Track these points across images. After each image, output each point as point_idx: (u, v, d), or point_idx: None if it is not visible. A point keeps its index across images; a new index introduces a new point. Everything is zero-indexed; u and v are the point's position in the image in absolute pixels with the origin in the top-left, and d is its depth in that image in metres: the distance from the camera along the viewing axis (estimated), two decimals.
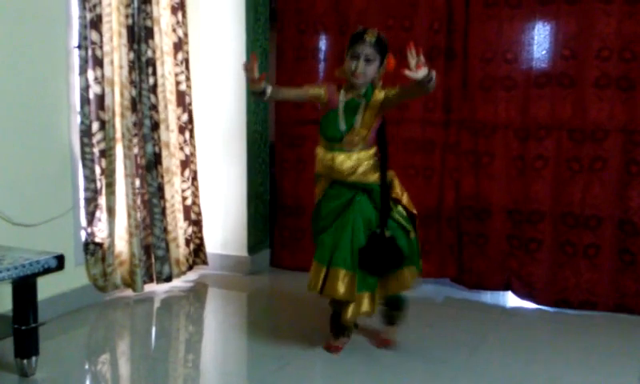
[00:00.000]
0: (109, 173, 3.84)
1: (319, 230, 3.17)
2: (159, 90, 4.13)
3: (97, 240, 3.86)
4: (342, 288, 3.02)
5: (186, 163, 4.41)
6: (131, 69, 3.93)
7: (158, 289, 4.22)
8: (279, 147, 4.76)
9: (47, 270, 2.84)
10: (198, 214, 4.53)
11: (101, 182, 3.84)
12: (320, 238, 3.15)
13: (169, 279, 4.23)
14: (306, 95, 3.17)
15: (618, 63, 3.85)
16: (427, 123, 4.29)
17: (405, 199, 3.18)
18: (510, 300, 4.22)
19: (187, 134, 4.40)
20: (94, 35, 3.71)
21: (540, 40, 4.03)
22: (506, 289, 4.24)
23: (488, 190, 4.19)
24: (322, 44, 4.57)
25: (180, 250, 4.38)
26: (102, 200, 3.86)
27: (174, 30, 4.26)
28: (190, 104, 4.41)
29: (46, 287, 3.25)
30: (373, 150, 3.12)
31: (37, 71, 3.52)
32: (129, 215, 3.97)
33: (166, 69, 4.21)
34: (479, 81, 4.15)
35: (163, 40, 4.17)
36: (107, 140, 3.82)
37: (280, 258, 4.78)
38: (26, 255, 2.83)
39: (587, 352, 3.38)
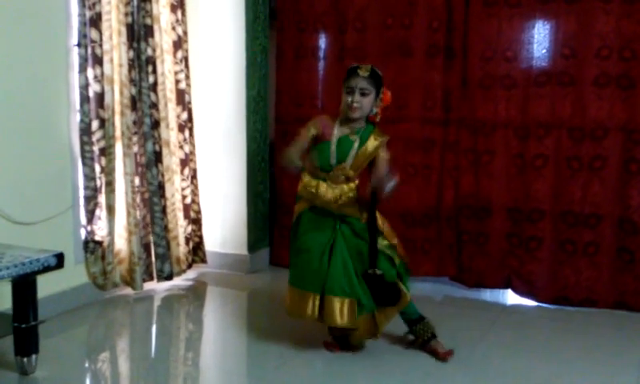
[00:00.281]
0: (108, 171, 3.84)
1: (295, 251, 3.20)
2: (159, 88, 4.13)
3: (96, 238, 3.86)
4: (343, 316, 3.06)
5: (186, 161, 4.41)
6: (131, 67, 3.93)
7: (157, 287, 4.22)
8: (279, 145, 4.76)
9: (47, 269, 2.84)
10: (198, 212, 4.53)
11: (100, 181, 3.84)
12: (296, 262, 3.18)
13: (169, 277, 4.23)
14: (307, 137, 3.16)
15: (617, 62, 3.85)
16: (426, 122, 4.28)
17: (386, 229, 3.19)
18: (510, 298, 4.22)
19: (187, 133, 4.40)
20: (93, 33, 3.71)
21: (540, 39, 4.03)
22: (505, 287, 4.24)
23: (488, 189, 4.20)
24: (322, 43, 4.57)
25: (180, 249, 4.38)
26: (102, 198, 3.86)
27: (174, 28, 4.26)
28: (189, 102, 4.41)
29: (46, 285, 3.24)
30: (355, 183, 3.17)
31: (36, 69, 3.51)
32: (128, 213, 3.97)
33: (166, 67, 4.21)
34: (479, 79, 4.15)
35: (163, 38, 4.16)
36: (107, 138, 3.82)
37: (279, 257, 4.78)
38: (25, 253, 2.83)
39: (587, 349, 3.39)
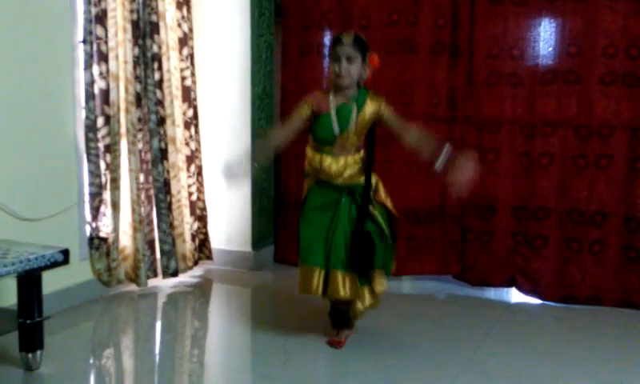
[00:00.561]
0: (113, 168, 3.85)
1: (303, 226, 3.22)
2: (165, 85, 4.13)
3: (101, 235, 3.87)
4: (345, 289, 3.09)
5: (192, 158, 4.41)
6: (136, 64, 3.93)
7: (161, 284, 4.22)
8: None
9: (52, 265, 2.84)
10: (203, 209, 4.54)
11: (106, 177, 3.84)
12: (307, 240, 3.19)
13: (175, 274, 4.23)
14: (300, 118, 3.16)
15: (624, 60, 3.84)
16: (431, 119, 4.27)
17: (389, 203, 3.23)
18: (514, 296, 4.21)
19: (192, 130, 4.40)
20: (99, 30, 3.71)
21: (546, 37, 4.02)
22: (510, 285, 4.23)
23: (493, 187, 4.18)
24: (327, 40, 4.55)
25: (186, 245, 4.38)
26: (107, 195, 3.86)
27: (179, 25, 4.26)
28: (195, 99, 4.41)
29: (51, 281, 3.26)
30: (360, 154, 3.19)
31: (42, 66, 3.52)
32: (133, 210, 3.98)
33: (172, 64, 4.21)
34: (485, 77, 4.14)
35: (169, 35, 4.17)
36: (112, 135, 3.83)
37: (284, 254, 4.78)
38: (31, 249, 2.84)
39: (592, 348, 3.38)
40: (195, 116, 4.42)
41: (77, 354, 3.25)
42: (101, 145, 3.80)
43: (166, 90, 4.14)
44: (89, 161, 3.75)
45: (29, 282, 2.82)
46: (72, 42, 3.69)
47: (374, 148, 3.19)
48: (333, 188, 3.15)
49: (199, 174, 4.49)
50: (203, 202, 4.54)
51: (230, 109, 4.59)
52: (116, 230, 3.89)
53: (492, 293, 4.27)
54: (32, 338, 2.87)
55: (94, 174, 3.78)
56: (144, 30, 3.97)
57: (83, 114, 3.72)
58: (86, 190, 3.80)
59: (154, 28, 4.02)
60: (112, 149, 3.83)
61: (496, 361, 3.19)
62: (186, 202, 4.41)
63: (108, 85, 3.79)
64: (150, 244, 4.15)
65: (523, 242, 4.15)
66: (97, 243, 3.85)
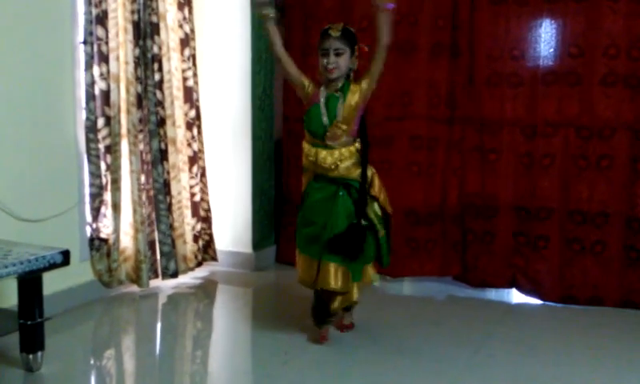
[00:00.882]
0: (114, 168, 3.84)
1: (303, 222, 3.27)
2: (165, 85, 4.13)
3: (102, 236, 3.86)
4: (338, 280, 3.13)
5: (194, 159, 4.40)
6: (137, 65, 3.93)
7: (162, 285, 4.22)
8: (286, 143, 4.76)
9: (53, 266, 2.84)
10: (207, 210, 4.53)
11: (106, 178, 3.84)
12: (305, 232, 3.25)
13: (175, 275, 4.23)
14: (298, 78, 3.26)
15: (625, 61, 3.84)
16: (431, 120, 4.27)
17: (382, 197, 3.27)
18: (515, 297, 4.21)
19: (195, 130, 4.40)
20: (99, 31, 3.71)
21: (547, 38, 4.01)
22: (511, 286, 4.22)
23: (494, 187, 4.18)
24: None
25: (187, 247, 4.37)
26: (108, 196, 3.86)
27: (181, 26, 4.26)
28: (197, 100, 4.41)
29: (52, 282, 3.25)
30: (356, 146, 3.20)
31: (42, 67, 3.52)
32: (134, 211, 3.97)
33: (173, 65, 4.21)
34: (485, 78, 4.13)
35: (169, 36, 4.16)
36: (113, 136, 3.82)
37: (286, 254, 4.77)
38: (31, 250, 2.83)
39: (594, 348, 3.37)
40: (198, 117, 4.42)
41: (78, 355, 3.25)
42: (101, 146, 3.80)
43: (166, 90, 4.13)
44: (89, 162, 3.75)
45: (29, 282, 2.81)
46: (73, 42, 3.69)
47: (366, 137, 3.23)
48: (329, 181, 3.19)
49: (203, 174, 4.48)
50: (208, 202, 4.52)
51: (231, 110, 4.58)
52: (117, 230, 3.88)
53: (493, 294, 4.26)
54: (33, 339, 2.87)
55: (95, 174, 3.77)
56: (145, 30, 3.97)
57: (84, 114, 3.72)
58: (87, 190, 3.80)
59: (155, 29, 4.02)
60: (113, 149, 3.83)
61: (497, 362, 3.19)
62: (187, 203, 4.40)
63: (109, 86, 3.78)
64: (151, 245, 4.14)
65: (524, 242, 4.15)
66: (97, 244, 3.85)
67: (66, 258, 2.90)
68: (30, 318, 2.84)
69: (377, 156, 4.26)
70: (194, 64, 4.36)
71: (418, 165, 4.31)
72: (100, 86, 3.76)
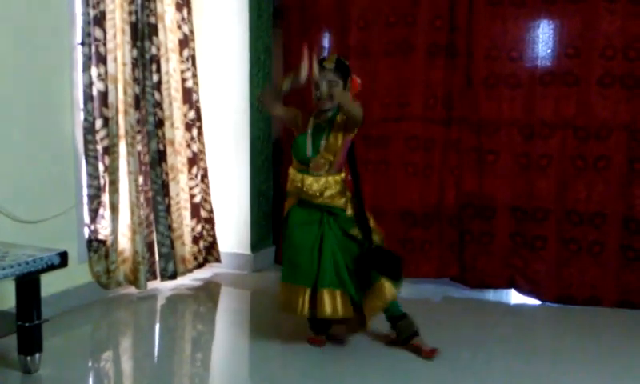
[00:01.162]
0: (112, 170, 3.84)
1: (286, 246, 3.25)
2: (163, 87, 4.13)
3: (100, 237, 3.86)
4: (335, 307, 3.11)
5: (194, 160, 4.40)
6: (134, 66, 3.93)
7: (160, 286, 4.22)
8: (285, 143, 4.76)
9: (50, 267, 2.83)
10: (210, 211, 4.53)
11: (104, 179, 3.84)
12: (288, 257, 3.23)
13: (173, 277, 4.23)
14: (291, 117, 3.30)
15: (622, 62, 3.86)
16: (427, 121, 4.28)
17: (372, 223, 3.24)
18: (513, 297, 4.21)
19: (195, 132, 4.40)
20: (97, 32, 3.71)
21: (545, 38, 4.03)
22: (509, 287, 4.23)
23: (492, 188, 4.19)
24: (326, 42, 4.56)
25: (186, 248, 4.37)
26: (106, 197, 3.86)
27: (179, 27, 4.26)
28: (197, 101, 4.41)
29: (50, 284, 3.25)
30: (341, 176, 3.21)
31: (40, 68, 3.52)
32: (132, 212, 3.97)
33: (171, 66, 4.21)
34: (483, 78, 4.14)
35: (168, 37, 4.16)
36: (110, 137, 3.82)
37: None
38: (29, 252, 2.83)
39: (592, 348, 3.38)
40: (198, 118, 4.41)
41: (75, 357, 3.24)
42: (99, 147, 3.80)
43: (164, 91, 4.13)
44: (87, 163, 3.75)
45: (27, 284, 2.81)
46: (70, 44, 3.69)
47: (357, 171, 3.23)
48: (314, 207, 3.17)
49: (204, 176, 4.48)
50: (210, 203, 4.52)
51: (230, 111, 4.58)
52: (115, 232, 3.88)
53: (490, 294, 4.26)
54: (31, 341, 2.87)
55: (93, 176, 3.77)
56: (142, 31, 3.97)
57: (82, 116, 3.72)
58: (85, 192, 3.80)
59: (153, 30, 4.02)
60: (111, 151, 3.83)
61: (496, 363, 3.19)
62: (186, 205, 4.40)
63: (106, 87, 3.78)
64: (149, 246, 4.14)
65: (522, 243, 4.16)
66: (95, 245, 3.85)
67: (63, 259, 2.90)
68: (28, 320, 2.84)
69: (373, 156, 4.30)
70: (194, 65, 4.36)
71: (414, 165, 4.31)
72: (98, 87, 3.76)
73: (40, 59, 3.51)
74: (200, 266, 4.50)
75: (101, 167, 3.82)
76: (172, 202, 4.24)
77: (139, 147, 4.02)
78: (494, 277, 4.25)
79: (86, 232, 3.83)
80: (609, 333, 3.64)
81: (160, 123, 4.12)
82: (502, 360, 3.23)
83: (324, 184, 3.14)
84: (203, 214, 4.49)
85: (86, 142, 3.72)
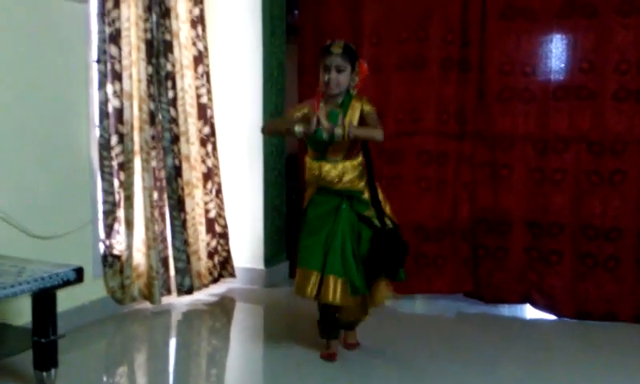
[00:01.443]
0: (127, 186, 3.87)
1: (305, 234, 3.28)
2: (179, 103, 4.16)
3: (115, 252, 3.88)
4: (336, 294, 3.14)
5: (209, 176, 4.42)
6: (150, 82, 3.96)
7: (175, 301, 4.23)
8: (301, 159, 4.75)
9: (66, 283, 2.85)
10: (224, 226, 4.54)
11: (119, 195, 3.87)
12: (305, 244, 3.26)
13: (190, 291, 4.24)
14: (297, 118, 3.21)
15: (636, 76, 3.84)
16: (441, 135, 4.28)
17: (388, 210, 3.28)
18: (529, 313, 4.18)
19: (210, 147, 4.42)
20: (112, 49, 3.75)
21: (558, 53, 4.03)
22: (525, 302, 4.21)
23: (507, 203, 4.17)
24: None
25: (202, 263, 4.38)
26: (121, 213, 3.88)
27: (194, 44, 4.29)
28: (211, 117, 4.43)
29: (65, 299, 3.27)
30: (358, 160, 3.22)
31: (56, 85, 3.55)
32: (147, 228, 3.99)
33: (186, 82, 4.24)
34: (497, 93, 4.14)
35: (183, 53, 4.20)
36: (126, 153, 3.85)
37: None
38: (45, 268, 2.85)
39: (609, 364, 3.35)
40: (213, 133, 4.44)
41: (91, 372, 3.25)
42: (114, 163, 3.83)
43: (179, 107, 4.16)
44: (102, 179, 3.78)
45: (43, 300, 2.83)
46: (86, 61, 3.73)
47: (369, 153, 3.25)
48: (333, 194, 3.20)
49: (219, 191, 4.50)
50: (224, 218, 4.53)
51: (243, 126, 4.60)
52: (129, 247, 3.90)
53: (505, 310, 4.23)
54: (46, 357, 2.87)
55: (108, 191, 3.80)
56: (158, 48, 4.00)
57: (97, 132, 3.75)
58: (100, 207, 3.83)
59: (168, 47, 4.06)
60: (126, 167, 3.86)
61: (514, 379, 3.17)
62: (201, 220, 4.42)
63: (122, 103, 3.82)
64: (164, 261, 4.16)
65: (538, 257, 4.13)
66: (110, 261, 3.87)
67: (79, 275, 2.91)
68: (44, 336, 2.85)
69: (387, 172, 4.28)
70: (208, 81, 4.39)
71: (427, 180, 4.30)
72: (113, 103, 3.79)
73: (56, 76, 3.55)
74: (215, 280, 4.50)
75: (116, 183, 3.85)
76: (188, 217, 4.26)
77: (154, 163, 4.04)
78: (509, 292, 4.22)
79: (101, 247, 3.85)
80: (625, 348, 3.61)
81: (176, 139, 4.15)
82: (518, 377, 3.20)
83: (342, 169, 3.16)
84: (218, 228, 4.50)
85: (102, 158, 3.75)
